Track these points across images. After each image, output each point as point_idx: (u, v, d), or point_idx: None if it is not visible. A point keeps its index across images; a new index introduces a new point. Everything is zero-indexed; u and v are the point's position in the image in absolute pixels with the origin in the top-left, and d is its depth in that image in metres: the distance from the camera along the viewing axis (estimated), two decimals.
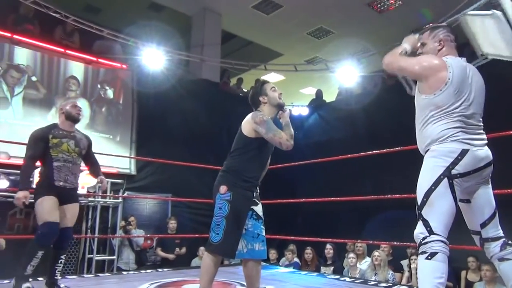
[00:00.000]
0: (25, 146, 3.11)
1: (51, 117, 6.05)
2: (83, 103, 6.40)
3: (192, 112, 7.24)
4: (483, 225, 1.99)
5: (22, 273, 2.71)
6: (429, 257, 1.77)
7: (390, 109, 7.01)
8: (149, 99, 6.77)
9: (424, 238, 1.81)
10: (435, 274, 1.75)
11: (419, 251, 1.84)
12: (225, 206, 2.30)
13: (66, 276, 3.85)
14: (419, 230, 1.86)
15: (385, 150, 3.92)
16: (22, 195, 2.74)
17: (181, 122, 7.04)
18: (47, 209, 2.83)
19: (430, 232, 1.81)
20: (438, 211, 1.83)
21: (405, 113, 7.38)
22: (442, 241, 1.80)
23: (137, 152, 6.55)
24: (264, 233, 2.35)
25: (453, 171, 1.85)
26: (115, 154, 5.98)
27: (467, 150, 1.86)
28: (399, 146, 3.83)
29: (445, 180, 1.85)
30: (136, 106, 6.78)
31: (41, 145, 2.93)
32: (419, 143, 2.09)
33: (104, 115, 6.59)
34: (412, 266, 4.83)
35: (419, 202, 1.90)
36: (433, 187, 1.85)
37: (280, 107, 2.53)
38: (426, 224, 1.83)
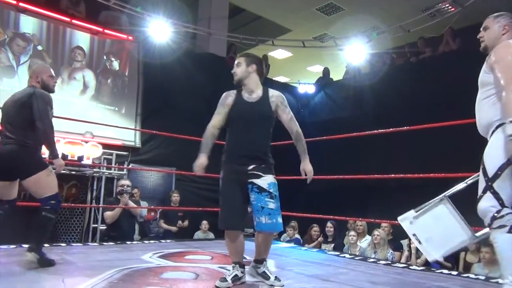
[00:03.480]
0: None
1: (57, 87, 6.03)
2: (88, 74, 6.38)
3: (198, 86, 7.19)
4: None
5: (41, 246, 2.66)
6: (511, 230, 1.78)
7: (398, 88, 6.93)
8: (155, 72, 6.72)
9: (498, 212, 1.82)
10: None
11: (495, 225, 1.84)
12: (220, 183, 2.49)
13: (71, 244, 3.94)
14: (490, 203, 1.86)
15: (390, 129, 3.89)
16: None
17: (186, 96, 7.00)
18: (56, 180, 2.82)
19: (502, 205, 1.83)
20: (509, 186, 1.84)
21: (413, 93, 7.37)
22: None
23: (142, 125, 6.56)
24: (272, 206, 2.34)
25: None
26: (120, 126, 6.00)
27: None
28: (406, 126, 3.80)
29: None
30: (142, 79, 6.74)
31: None
32: (485, 119, 2.03)
33: (109, 87, 6.57)
34: (412, 246, 4.87)
35: (490, 174, 1.89)
36: (510, 161, 1.84)
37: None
38: (498, 197, 1.84)
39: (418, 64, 7.13)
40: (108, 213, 4.60)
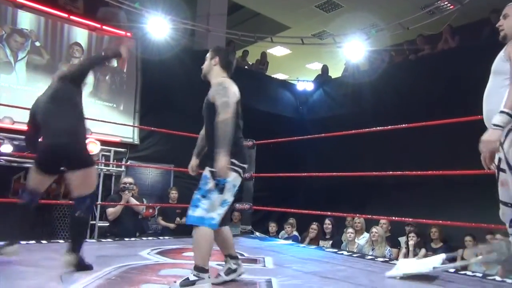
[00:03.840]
0: (28, 112, 3.03)
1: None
2: None
3: (196, 83, 7.10)
4: None
5: (80, 248, 2.55)
6: None
7: (397, 86, 6.94)
8: (153, 68, 6.71)
9: None
10: None
11: None
12: None
13: (69, 240, 3.93)
14: None
15: (389, 127, 3.89)
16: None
17: (185, 92, 6.99)
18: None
19: None
20: None
21: (412, 91, 7.36)
22: None
23: (140, 121, 6.55)
24: (194, 197, 2.26)
25: None
26: (118, 123, 5.99)
27: None
28: (405, 123, 3.79)
29: None
30: (140, 75, 6.72)
31: None
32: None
33: (108, 84, 6.55)
34: (410, 243, 4.89)
35: None
36: None
37: None
38: None
39: (417, 61, 7.14)
40: (110, 210, 4.64)
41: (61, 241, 4.10)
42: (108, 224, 4.95)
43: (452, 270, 2.78)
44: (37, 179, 2.71)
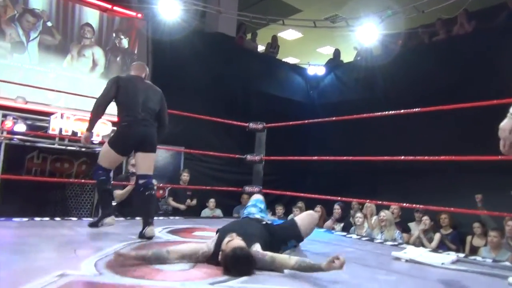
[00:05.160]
0: (41, 91, 3.15)
1: (66, 64, 6.06)
2: (98, 52, 6.37)
3: (207, 65, 7.15)
4: None
5: (152, 219, 2.96)
6: None
7: (410, 70, 6.83)
8: (164, 50, 6.69)
9: None
10: None
11: None
12: None
13: (82, 218, 4.01)
14: None
15: (401, 111, 3.84)
16: None
17: (195, 75, 6.98)
18: None
19: None
20: None
21: (426, 76, 7.24)
22: None
23: None
24: None
25: None
26: None
27: None
28: (418, 107, 3.73)
29: None
30: (151, 57, 6.71)
31: None
32: None
33: (119, 65, 6.57)
34: (423, 227, 4.89)
35: None
36: None
37: None
38: None
39: (432, 46, 7.01)
40: (117, 192, 4.63)
41: (74, 218, 4.18)
42: (115, 204, 4.98)
43: (462, 255, 2.76)
44: (112, 159, 3.14)
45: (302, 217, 2.68)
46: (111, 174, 3.44)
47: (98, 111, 3.13)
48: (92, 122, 3.17)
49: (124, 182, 4.66)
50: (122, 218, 4.14)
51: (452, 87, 5.99)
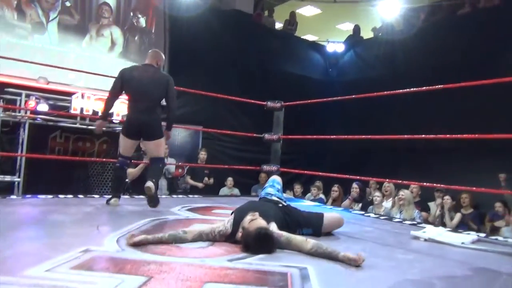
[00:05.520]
0: (62, 72, 3.25)
1: (85, 44, 6.10)
2: (116, 31, 6.38)
3: (224, 43, 7.09)
4: None
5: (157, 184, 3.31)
6: None
7: (433, 45, 6.61)
8: (181, 28, 6.66)
9: None
10: None
11: None
12: None
13: (104, 196, 4.10)
14: None
15: (423, 88, 3.73)
16: None
17: (213, 53, 6.94)
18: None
19: None
20: None
21: (450, 50, 6.99)
22: None
23: None
24: None
25: None
26: None
27: None
28: (440, 85, 3.62)
29: None
30: (168, 36, 6.69)
31: None
32: None
33: (137, 44, 6.58)
34: (445, 206, 4.85)
35: None
36: None
37: None
38: None
39: (456, 20, 6.75)
40: (130, 171, 4.68)
41: (96, 196, 4.29)
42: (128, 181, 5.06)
43: (483, 235, 2.72)
44: (127, 144, 3.39)
45: (332, 216, 2.68)
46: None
47: (108, 104, 3.45)
48: (105, 112, 3.50)
49: (139, 162, 4.72)
50: (142, 196, 4.22)
51: (477, 63, 5.79)
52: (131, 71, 3.39)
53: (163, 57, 3.63)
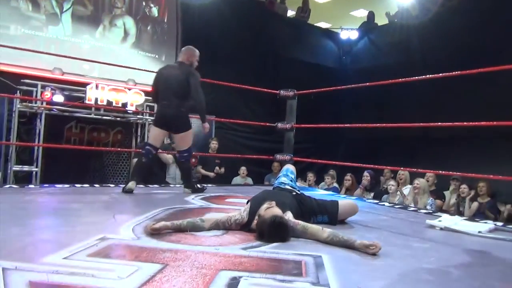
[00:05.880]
0: (76, 62, 3.30)
1: (99, 35, 6.13)
2: (129, 21, 6.40)
3: (236, 31, 7.05)
4: None
5: (191, 182, 3.80)
6: None
7: (449, 31, 6.46)
8: (193, 17, 6.63)
9: None
10: None
11: None
12: None
13: (119, 185, 4.17)
14: None
15: (439, 74, 3.65)
16: None
17: (224, 41, 6.91)
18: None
19: None
20: None
21: (467, 35, 6.81)
22: None
23: None
24: None
25: None
26: None
27: None
28: (456, 71, 3.54)
29: None
30: (181, 25, 6.68)
31: None
32: None
33: (149, 34, 6.58)
34: (462, 195, 4.82)
35: None
36: None
37: None
38: None
39: (474, 4, 6.55)
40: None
41: (112, 185, 4.35)
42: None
43: (501, 237, 2.65)
44: (156, 134, 3.62)
45: (346, 202, 2.70)
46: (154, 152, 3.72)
47: (152, 98, 4.00)
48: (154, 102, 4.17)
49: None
50: (156, 185, 4.27)
51: (495, 48, 5.63)
52: (163, 69, 3.73)
53: (196, 53, 3.75)
